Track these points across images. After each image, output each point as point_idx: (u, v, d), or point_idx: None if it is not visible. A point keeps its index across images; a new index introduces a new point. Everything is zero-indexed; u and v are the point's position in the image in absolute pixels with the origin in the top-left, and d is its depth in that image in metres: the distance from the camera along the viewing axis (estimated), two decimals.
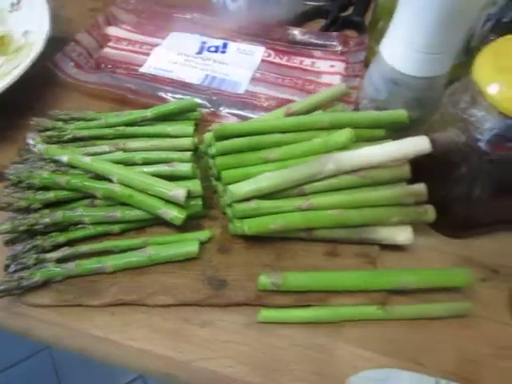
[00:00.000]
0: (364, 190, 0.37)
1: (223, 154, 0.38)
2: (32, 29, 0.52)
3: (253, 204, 0.36)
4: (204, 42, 0.54)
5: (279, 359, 0.33)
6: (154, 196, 0.36)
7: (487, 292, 0.36)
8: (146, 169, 0.37)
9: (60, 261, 0.35)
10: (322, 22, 0.59)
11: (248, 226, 0.35)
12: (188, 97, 0.46)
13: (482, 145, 0.32)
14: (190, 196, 0.37)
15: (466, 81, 0.34)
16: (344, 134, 0.37)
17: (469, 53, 0.47)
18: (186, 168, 0.37)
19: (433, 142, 0.36)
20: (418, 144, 0.36)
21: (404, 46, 0.38)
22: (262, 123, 0.39)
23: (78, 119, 0.44)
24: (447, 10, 0.34)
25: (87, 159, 0.37)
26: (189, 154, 0.39)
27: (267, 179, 0.36)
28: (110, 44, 0.53)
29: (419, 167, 0.39)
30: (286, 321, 0.34)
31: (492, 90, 0.30)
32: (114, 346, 0.33)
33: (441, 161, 0.37)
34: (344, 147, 0.37)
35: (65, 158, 0.37)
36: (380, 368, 0.32)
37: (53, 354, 1.10)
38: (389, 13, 0.48)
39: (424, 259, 0.38)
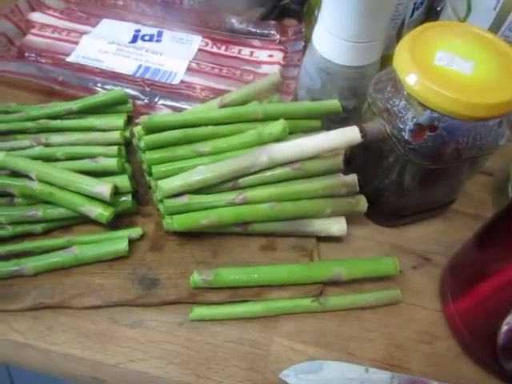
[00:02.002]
0: (298, 182, 0.36)
1: (153, 147, 0.37)
2: None
3: (184, 199, 0.35)
4: (138, 31, 0.51)
5: (211, 357, 0.32)
6: (78, 193, 0.34)
7: (418, 279, 0.37)
8: (70, 165, 0.35)
9: None
10: (259, 11, 0.58)
11: (177, 223, 0.34)
12: (119, 88, 0.44)
13: (404, 134, 0.33)
14: (118, 192, 0.35)
15: (388, 70, 0.35)
16: (278, 126, 0.37)
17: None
18: (110, 163, 0.35)
19: (363, 132, 0.36)
20: (348, 134, 0.36)
21: (332, 36, 0.38)
22: (194, 115, 0.38)
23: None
24: None
25: (1, 155, 0.34)
26: (115, 148, 0.37)
27: (199, 173, 0.35)
28: (34, 31, 0.50)
29: (354, 157, 0.40)
30: (219, 318, 0.34)
31: (410, 79, 0.30)
32: (35, 351, 0.32)
33: (371, 151, 0.37)
34: (279, 139, 0.37)
35: None
36: (312, 360, 0.32)
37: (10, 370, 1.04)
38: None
39: (360, 249, 0.38)
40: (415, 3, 0.45)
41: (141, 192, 0.39)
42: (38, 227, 0.35)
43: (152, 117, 0.37)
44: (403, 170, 0.35)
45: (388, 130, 0.34)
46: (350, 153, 0.40)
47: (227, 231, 0.37)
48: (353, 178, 0.36)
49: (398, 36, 0.47)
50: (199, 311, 0.33)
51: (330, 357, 0.33)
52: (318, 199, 0.36)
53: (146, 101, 0.45)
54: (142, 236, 0.36)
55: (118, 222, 0.36)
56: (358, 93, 0.42)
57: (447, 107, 0.29)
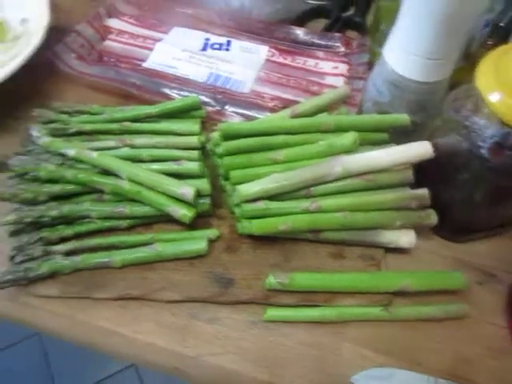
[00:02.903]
0: (369, 193, 0.37)
1: (231, 153, 0.39)
2: (30, 17, 0.51)
3: (261, 204, 0.36)
4: (207, 39, 0.53)
5: (284, 357, 0.34)
6: (163, 193, 0.36)
7: (483, 295, 0.38)
8: (154, 166, 0.37)
9: (68, 253, 0.35)
10: (323, 22, 0.59)
11: (256, 226, 0.36)
12: (193, 94, 0.46)
13: (483, 152, 0.33)
14: (198, 195, 0.37)
15: (468, 88, 0.35)
16: (349, 137, 0.38)
17: (469, 58, 0.49)
18: (194, 166, 0.37)
19: (436, 147, 0.37)
20: (421, 149, 0.38)
21: (405, 51, 0.39)
22: (269, 124, 0.40)
23: (83, 112, 0.44)
24: (448, 16, 0.35)
25: (94, 154, 0.37)
26: (197, 152, 0.39)
27: (275, 180, 0.37)
28: (111, 36, 0.53)
29: (422, 172, 0.40)
30: (292, 320, 0.35)
31: (493, 98, 0.31)
32: (123, 338, 0.34)
33: (443, 166, 0.38)
34: (349, 150, 0.38)
35: (71, 152, 0.37)
36: (382, 367, 0.33)
37: (43, 340, 1.09)
38: (389, 15, 0.49)
39: (424, 262, 0.39)
40: (486, 20, 0.46)
41: (215, 195, 0.40)
42: (124, 223, 0.37)
43: (230, 124, 0.39)
44: (475, 186, 0.36)
45: (464, 147, 0.34)
46: (418, 167, 0.41)
47: (299, 237, 0.38)
48: (424, 191, 0.37)
49: (466, 52, 0.48)
50: (273, 312, 0.35)
51: (399, 365, 0.34)
52: (389, 211, 0.37)
53: (217, 108, 0.46)
54: (218, 237, 0.38)
55: (195, 222, 0.38)
56: (425, 107, 0.42)
57: None
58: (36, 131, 0.39)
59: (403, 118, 0.41)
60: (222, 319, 0.35)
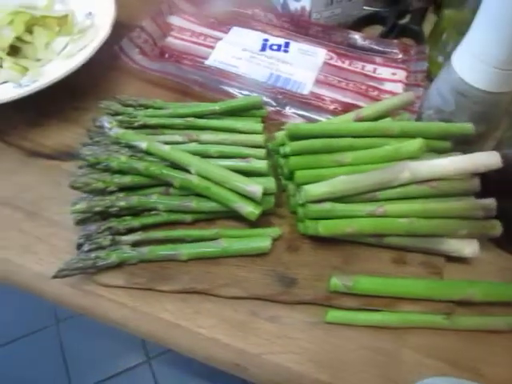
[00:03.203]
0: (435, 200, 0.37)
1: (296, 153, 0.39)
2: (95, 11, 0.53)
3: (327, 206, 0.36)
4: (266, 40, 0.54)
5: (346, 360, 0.34)
6: (231, 190, 0.36)
7: None
8: (222, 162, 0.38)
9: (134, 244, 0.36)
10: (378, 28, 0.59)
11: (323, 227, 0.36)
12: (254, 94, 0.47)
13: None
14: (263, 193, 0.37)
15: None
16: (416, 144, 0.38)
17: None
18: (261, 165, 0.38)
19: (503, 157, 0.37)
20: (489, 159, 0.37)
21: (477, 60, 0.38)
22: (335, 126, 0.40)
23: (146, 106, 0.44)
24: None
25: (166, 148, 0.37)
26: (263, 151, 0.39)
27: (342, 182, 0.37)
28: (173, 33, 0.54)
29: (486, 181, 0.40)
30: (353, 323, 0.35)
31: None
32: (184, 331, 0.34)
33: (509, 177, 0.38)
34: (414, 156, 0.38)
35: (143, 145, 0.37)
36: (443, 376, 0.33)
37: (59, 330, 1.11)
38: (454, 25, 0.49)
39: (483, 273, 0.39)
40: None
41: (275, 194, 0.41)
42: (189, 217, 0.38)
43: (297, 124, 0.39)
44: None
45: None
46: (483, 176, 0.41)
47: (360, 240, 0.38)
48: (491, 202, 0.37)
49: None
50: (334, 314, 0.35)
51: (461, 375, 0.33)
52: (454, 219, 0.37)
53: (277, 108, 0.47)
54: (279, 236, 0.38)
55: (257, 220, 0.38)
56: (488, 118, 0.42)
57: None
58: (107, 122, 0.39)
59: (467, 127, 0.40)
60: (283, 318, 0.35)
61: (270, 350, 0.34)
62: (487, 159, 0.37)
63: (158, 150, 0.37)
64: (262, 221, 0.39)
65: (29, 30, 0.51)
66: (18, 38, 0.50)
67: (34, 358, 1.07)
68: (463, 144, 0.42)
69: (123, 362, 1.08)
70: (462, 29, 0.46)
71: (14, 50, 0.50)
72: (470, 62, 0.40)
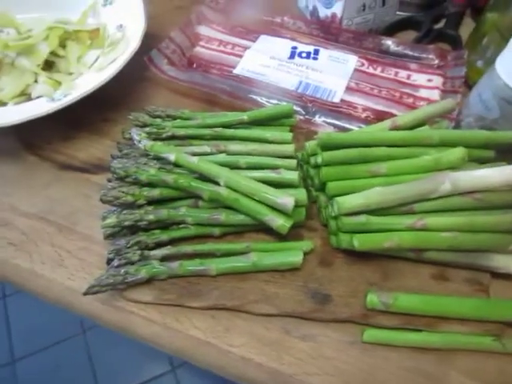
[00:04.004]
0: (480, 213, 0.35)
1: (329, 164, 0.37)
2: (126, 23, 0.53)
3: (362, 218, 0.35)
4: (294, 48, 0.53)
5: (385, 381, 0.31)
6: (260, 202, 0.35)
7: None
8: (252, 173, 0.37)
9: (163, 259, 0.35)
10: (411, 34, 0.57)
11: (359, 242, 0.34)
12: (284, 102, 0.46)
13: None
14: (294, 205, 0.36)
15: None
16: (457, 153, 0.36)
17: None
18: (293, 176, 0.36)
19: None
20: None
21: None
22: (369, 135, 0.38)
23: (175, 117, 0.44)
24: None
25: (194, 159, 0.36)
26: (294, 161, 0.38)
27: (378, 194, 0.35)
28: (202, 43, 0.53)
29: None
30: (393, 343, 0.33)
31: None
32: (215, 350, 0.33)
33: None
34: (455, 166, 0.36)
35: (172, 157, 0.37)
36: None
37: (87, 340, 1.12)
38: (498, 29, 0.47)
39: None
40: None
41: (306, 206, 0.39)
42: (217, 230, 0.37)
43: (330, 134, 0.38)
44: None
45: None
46: None
47: (398, 255, 0.36)
48: None
49: None
50: (372, 333, 0.33)
51: None
52: (501, 233, 0.34)
53: (306, 116, 0.45)
54: (311, 250, 0.37)
55: (287, 233, 0.37)
56: None
57: None
58: (136, 134, 0.39)
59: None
60: (317, 337, 0.33)
61: (304, 370, 0.32)
62: None
63: (186, 162, 0.36)
64: (292, 234, 0.37)
65: (62, 44, 0.52)
66: (52, 53, 0.51)
67: (62, 366, 1.08)
68: (508, 153, 0.39)
69: (149, 371, 1.08)
70: (506, 33, 0.44)
71: (47, 65, 0.51)
72: None
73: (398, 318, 0.33)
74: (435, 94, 0.48)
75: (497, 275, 0.36)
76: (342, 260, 0.37)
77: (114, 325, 0.35)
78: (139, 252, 0.35)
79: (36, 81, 0.49)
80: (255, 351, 0.33)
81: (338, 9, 0.52)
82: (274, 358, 0.32)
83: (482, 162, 0.39)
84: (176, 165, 0.37)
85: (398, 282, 0.35)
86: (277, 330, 0.34)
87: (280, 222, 0.35)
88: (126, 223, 0.35)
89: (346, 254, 0.37)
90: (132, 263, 0.35)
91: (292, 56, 0.52)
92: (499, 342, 0.32)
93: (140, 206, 0.37)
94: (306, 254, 0.37)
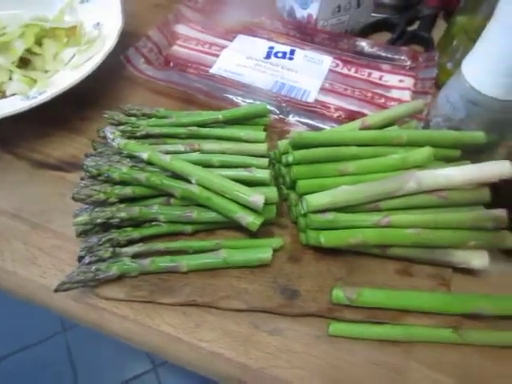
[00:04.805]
0: (443, 210, 0.36)
1: (300, 162, 0.38)
2: (103, 21, 0.53)
3: (329, 216, 0.36)
4: (271, 48, 0.54)
5: (351, 374, 0.33)
6: (232, 200, 0.36)
7: None
8: (225, 172, 0.37)
9: (135, 256, 0.36)
10: (386, 35, 0.58)
11: (325, 238, 0.35)
12: (258, 102, 0.46)
13: None
14: (265, 203, 0.37)
15: None
16: (424, 153, 0.37)
17: None
18: (264, 175, 0.37)
19: None
20: (499, 168, 0.36)
21: (489, 68, 0.37)
22: (340, 134, 0.39)
23: (150, 116, 0.44)
24: None
25: (167, 158, 0.37)
26: (266, 160, 0.39)
27: (345, 192, 0.36)
28: (179, 42, 0.54)
29: (498, 191, 0.39)
30: (358, 336, 0.34)
31: None
32: (185, 345, 0.34)
33: None
34: (422, 166, 0.37)
35: (145, 155, 0.37)
36: None
37: (67, 339, 1.11)
38: (465, 32, 0.48)
39: (493, 285, 0.37)
40: None
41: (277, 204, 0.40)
42: (189, 228, 0.37)
43: (301, 133, 0.38)
44: None
45: None
46: (493, 186, 0.39)
47: (364, 251, 0.37)
48: (502, 212, 0.36)
49: None
50: (338, 327, 0.34)
51: None
52: (463, 230, 0.36)
53: (280, 116, 0.46)
54: (281, 247, 0.38)
55: (258, 230, 0.38)
56: (499, 126, 0.41)
57: None
58: (110, 133, 0.39)
59: (479, 135, 0.39)
60: (285, 331, 0.34)
61: (271, 364, 0.33)
62: (498, 169, 0.36)
63: (159, 160, 0.37)
64: (263, 231, 0.38)
65: (38, 41, 0.52)
66: (28, 50, 0.51)
67: (43, 366, 1.07)
68: (473, 153, 0.40)
69: (130, 369, 1.08)
70: (473, 36, 0.46)
71: (23, 62, 0.51)
72: (481, 70, 0.39)
73: (362, 312, 0.34)
74: (406, 95, 0.49)
75: (458, 270, 0.37)
76: (310, 256, 0.38)
77: (87, 321, 0.36)
78: (111, 249, 0.35)
79: (11, 78, 0.49)
80: (225, 346, 0.33)
81: (313, 10, 0.53)
82: (243, 352, 0.33)
83: (449, 161, 0.40)
84: (149, 163, 0.38)
85: (363, 277, 0.36)
86: (246, 325, 0.34)
87: (250, 220, 0.35)
88: (98, 221, 0.36)
89: (314, 250, 0.38)
90: (103, 260, 0.35)
91: (268, 56, 0.53)
92: (457, 334, 0.33)
93: (112, 204, 0.37)
94: (275, 250, 0.37)
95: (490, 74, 0.38)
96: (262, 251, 0.36)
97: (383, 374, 0.33)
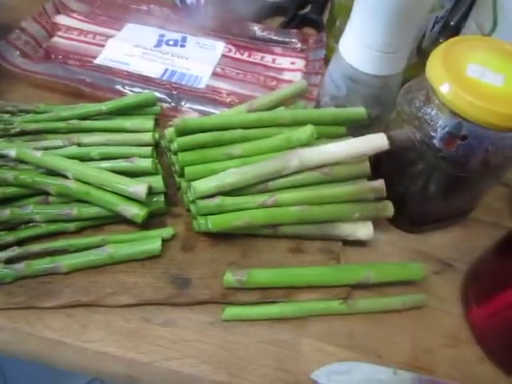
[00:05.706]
0: (326, 186, 0.37)
1: (185, 149, 0.37)
2: None
3: (217, 200, 0.35)
4: (162, 35, 0.52)
5: (244, 356, 0.32)
6: (113, 193, 0.34)
7: (440, 284, 0.38)
8: (104, 164, 0.36)
9: (9, 261, 0.33)
10: (280, 20, 0.59)
11: (212, 223, 0.34)
12: (147, 91, 0.45)
13: (435, 142, 0.34)
14: (151, 193, 0.36)
15: (420, 80, 0.36)
16: (306, 131, 0.38)
17: (420, 54, 0.50)
18: (146, 163, 0.36)
19: (390, 139, 0.37)
20: (376, 141, 0.37)
21: (360, 45, 0.39)
22: (225, 118, 0.39)
23: (28, 111, 0.41)
24: (398, 10, 0.35)
25: (38, 154, 0.34)
26: (149, 148, 0.38)
27: (231, 175, 0.36)
28: (60, 33, 0.51)
29: (379, 164, 0.41)
30: (251, 318, 0.34)
31: (443, 89, 0.31)
32: (70, 348, 0.32)
33: (398, 158, 0.38)
34: (307, 144, 0.38)
35: (12, 153, 0.35)
36: (342, 361, 0.33)
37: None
38: (345, 11, 0.50)
39: (383, 254, 0.39)
40: (436, 17, 0.46)
41: (170, 193, 0.39)
42: (71, 226, 0.35)
43: (185, 119, 0.38)
44: (429, 177, 0.36)
45: (418, 138, 0.35)
46: (375, 159, 0.41)
47: (257, 233, 0.37)
48: (381, 183, 0.37)
49: (419, 48, 0.49)
50: (231, 311, 0.34)
51: (359, 359, 0.33)
52: (346, 203, 0.37)
53: (172, 104, 0.45)
54: (173, 236, 0.37)
55: (149, 222, 0.36)
56: (381, 101, 0.43)
57: (479, 116, 0.30)
58: None
59: (360, 111, 0.41)
60: (178, 321, 0.34)
61: (163, 356, 0.32)
62: (375, 142, 0.38)
63: (29, 157, 0.34)
64: (154, 222, 0.37)
65: None
66: None
67: None
68: (362, 129, 0.42)
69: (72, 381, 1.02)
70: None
71: None
72: (354, 48, 0.40)
73: (255, 293, 0.34)
74: (297, 76, 0.50)
75: (348, 243, 0.38)
76: (205, 243, 0.37)
77: None
78: None
79: None
80: (113, 344, 0.32)
81: None
82: (132, 348, 0.32)
83: (336, 138, 0.41)
84: (20, 161, 0.35)
85: (256, 258, 0.37)
86: (136, 320, 0.33)
87: (134, 211, 0.34)
88: None
89: (209, 236, 0.37)
90: None
91: (159, 44, 0.51)
92: (346, 305, 0.34)
93: None
94: (168, 240, 0.36)
95: (362, 51, 0.39)
96: (151, 242, 0.35)
97: (275, 351, 0.33)
